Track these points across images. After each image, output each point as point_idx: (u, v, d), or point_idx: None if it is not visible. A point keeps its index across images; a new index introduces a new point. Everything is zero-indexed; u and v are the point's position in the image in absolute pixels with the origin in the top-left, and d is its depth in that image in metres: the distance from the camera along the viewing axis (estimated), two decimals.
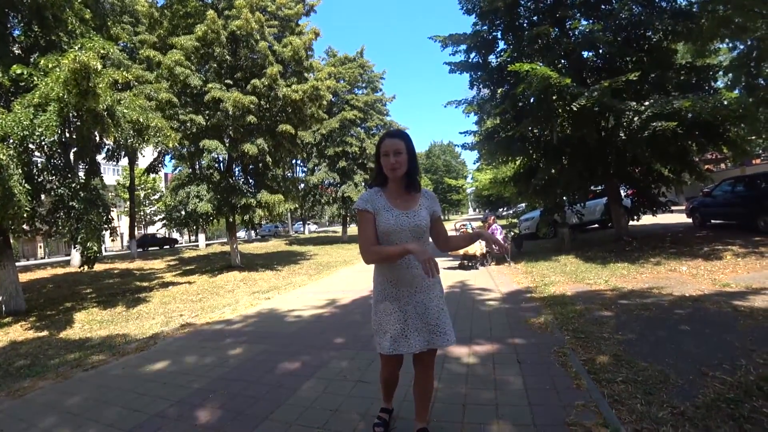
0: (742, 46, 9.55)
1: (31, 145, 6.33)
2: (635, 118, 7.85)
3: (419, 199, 2.09)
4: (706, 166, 21.39)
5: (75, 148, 9.00)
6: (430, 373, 2.17)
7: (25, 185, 6.32)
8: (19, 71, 6.67)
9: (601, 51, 9.66)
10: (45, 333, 6.40)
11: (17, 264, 9.17)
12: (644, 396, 2.58)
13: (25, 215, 6.55)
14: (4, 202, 5.92)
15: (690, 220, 12.40)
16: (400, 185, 2.07)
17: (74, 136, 8.04)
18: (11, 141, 6.09)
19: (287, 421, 2.66)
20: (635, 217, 10.97)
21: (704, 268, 6.46)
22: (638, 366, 3.03)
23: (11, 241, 8.35)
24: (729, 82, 10.47)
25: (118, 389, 3.53)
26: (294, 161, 26.35)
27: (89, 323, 6.93)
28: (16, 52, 8.04)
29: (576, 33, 9.82)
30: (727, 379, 2.69)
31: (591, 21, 9.59)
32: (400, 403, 2.66)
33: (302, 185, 24.43)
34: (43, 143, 6.94)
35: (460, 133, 12.06)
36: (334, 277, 10.33)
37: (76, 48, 7.21)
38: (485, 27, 10.85)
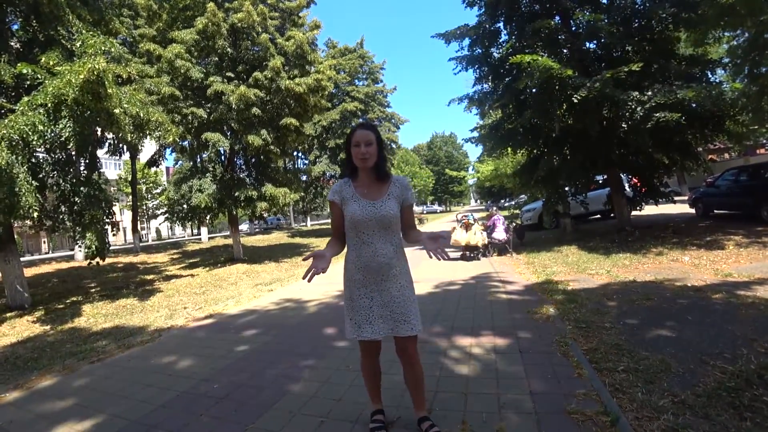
0: (746, 35, 9.41)
1: (33, 142, 6.34)
2: (638, 108, 7.80)
3: (388, 188, 2.14)
4: (710, 156, 21.25)
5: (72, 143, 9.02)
6: (413, 360, 2.18)
7: (33, 182, 6.36)
8: (24, 70, 6.66)
9: (603, 41, 9.57)
10: (51, 327, 6.47)
11: (21, 259, 9.22)
12: (645, 385, 2.59)
13: (35, 214, 6.60)
14: (13, 202, 5.97)
15: (693, 211, 12.36)
16: (370, 175, 2.15)
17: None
18: (16, 139, 6.09)
19: (291, 411, 2.69)
20: (638, 207, 10.94)
21: (706, 258, 6.46)
22: (639, 355, 3.05)
23: (15, 236, 8.40)
24: (731, 73, 10.34)
25: (124, 381, 3.58)
26: (296, 153, 26.32)
27: (94, 317, 6.99)
28: (16, 46, 8.00)
29: (578, 23, 9.73)
30: (728, 367, 2.70)
31: (593, 11, 9.48)
32: (402, 393, 2.68)
33: (304, 177, 24.42)
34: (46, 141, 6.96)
35: (470, 130, 12.10)
36: (336, 268, 10.32)
37: (78, 44, 7.20)
38: (488, 18, 10.75)
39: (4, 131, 5.85)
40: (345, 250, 2.25)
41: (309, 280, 1.91)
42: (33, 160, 6.87)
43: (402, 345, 2.16)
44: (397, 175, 2.25)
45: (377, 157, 2.09)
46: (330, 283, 7.91)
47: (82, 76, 6.10)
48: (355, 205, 2.09)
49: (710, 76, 9.61)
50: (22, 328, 6.59)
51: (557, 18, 10.00)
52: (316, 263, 1.91)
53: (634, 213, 11.46)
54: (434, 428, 2.18)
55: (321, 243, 19.25)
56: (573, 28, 9.90)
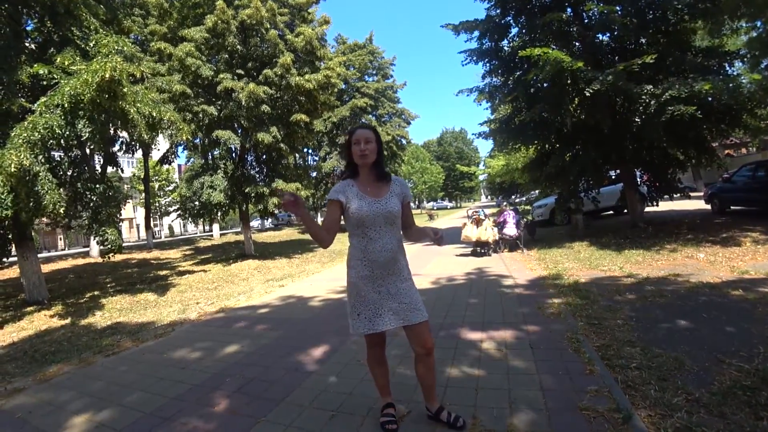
0: (762, 26, 9.17)
1: (52, 142, 6.46)
2: (652, 102, 7.64)
3: (390, 187, 2.23)
4: (727, 151, 20.78)
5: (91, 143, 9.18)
6: (430, 348, 2.19)
7: (53, 180, 6.50)
8: (41, 71, 6.77)
9: (616, 33, 9.38)
10: (67, 321, 6.60)
11: (39, 255, 9.43)
12: (658, 382, 2.57)
13: (62, 211, 6.75)
14: (38, 202, 6.12)
15: (708, 207, 12.13)
16: (371, 174, 2.23)
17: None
18: (36, 140, 6.20)
19: (302, 404, 2.72)
20: (653, 203, 10.75)
21: (722, 254, 6.34)
22: (652, 352, 3.01)
23: (32, 233, 8.59)
24: (749, 65, 10.05)
25: (139, 374, 3.64)
26: (306, 149, 26.41)
27: (109, 311, 7.12)
28: (31, 47, 8.13)
29: (590, 15, 9.55)
30: (744, 366, 2.66)
31: (605, 2, 9.30)
32: (413, 387, 2.70)
33: (314, 173, 24.50)
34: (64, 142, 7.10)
35: (479, 124, 11.98)
36: (340, 269, 10.37)
37: (91, 44, 7.30)
38: (497, 11, 10.62)
39: (26, 134, 5.97)
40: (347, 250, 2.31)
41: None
42: (51, 160, 7.01)
43: (418, 334, 2.16)
44: (396, 176, 2.35)
45: (376, 154, 2.19)
46: (340, 279, 7.95)
47: (106, 75, 6.18)
48: (361, 202, 2.14)
49: (727, 68, 9.36)
50: (40, 322, 6.75)
51: (569, 10, 9.83)
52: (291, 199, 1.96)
53: (647, 209, 11.29)
54: (454, 414, 2.26)
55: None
56: (585, 21, 9.72)
